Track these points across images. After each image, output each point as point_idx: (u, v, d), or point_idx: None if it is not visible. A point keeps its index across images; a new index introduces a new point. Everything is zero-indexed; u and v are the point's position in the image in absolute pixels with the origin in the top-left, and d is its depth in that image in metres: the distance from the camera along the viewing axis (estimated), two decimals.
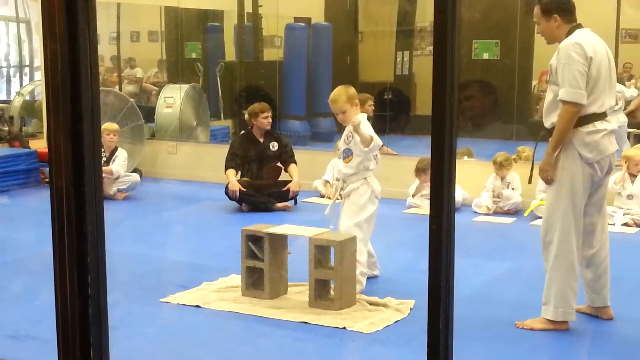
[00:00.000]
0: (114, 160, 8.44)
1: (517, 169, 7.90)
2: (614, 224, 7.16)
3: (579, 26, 4.44)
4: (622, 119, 9.07)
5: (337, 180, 5.53)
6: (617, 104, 8.91)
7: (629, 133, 9.50)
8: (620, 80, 10.58)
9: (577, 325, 4.54)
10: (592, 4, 11.52)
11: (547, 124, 4.47)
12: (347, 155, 5.30)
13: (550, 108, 4.44)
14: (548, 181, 4.47)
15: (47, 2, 2.09)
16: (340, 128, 11.03)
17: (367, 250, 5.27)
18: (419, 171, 7.89)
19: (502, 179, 7.80)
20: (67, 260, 2.19)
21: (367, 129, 5.20)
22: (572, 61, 4.26)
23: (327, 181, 8.18)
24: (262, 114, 8.02)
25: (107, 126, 8.42)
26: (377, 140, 5.20)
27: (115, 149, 8.58)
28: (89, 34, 2.12)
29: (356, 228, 5.14)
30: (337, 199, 5.43)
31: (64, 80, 2.12)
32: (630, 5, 10.88)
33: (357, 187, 5.25)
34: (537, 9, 4.49)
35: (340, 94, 5.27)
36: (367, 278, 5.31)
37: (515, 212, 7.67)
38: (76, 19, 2.09)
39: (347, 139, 5.30)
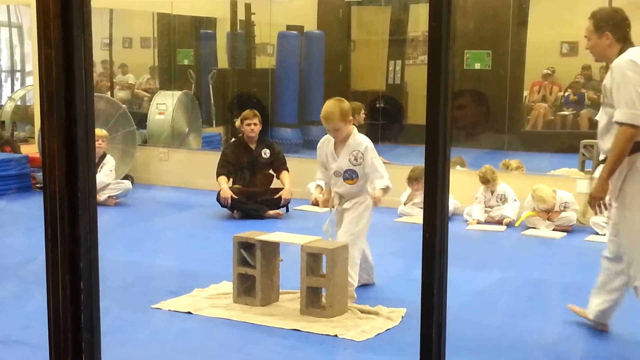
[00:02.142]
0: (101, 168, 8.41)
1: (510, 180, 7.93)
2: (604, 235, 7.18)
3: (632, 45, 4.21)
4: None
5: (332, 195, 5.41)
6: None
7: None
8: None
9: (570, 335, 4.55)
10: (583, 16, 11.58)
11: (604, 148, 4.24)
12: (352, 177, 5.19)
13: (604, 132, 4.23)
14: (600, 209, 4.25)
15: (42, 8, 2.09)
16: None
17: (360, 259, 5.26)
18: (411, 180, 7.90)
19: (493, 192, 7.81)
20: (60, 266, 2.19)
21: (379, 163, 5.20)
22: (627, 80, 4.03)
23: (319, 185, 8.07)
24: (246, 120, 8.03)
25: (96, 132, 8.37)
26: (390, 187, 5.21)
27: (104, 155, 8.56)
28: (84, 40, 2.12)
29: (352, 239, 5.13)
30: (332, 208, 5.37)
31: (59, 85, 2.12)
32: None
33: (357, 201, 5.25)
34: (589, 24, 4.26)
35: (334, 111, 5.06)
36: (362, 285, 5.33)
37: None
38: (71, 25, 2.09)
39: (356, 160, 5.18)
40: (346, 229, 5.20)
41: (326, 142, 5.29)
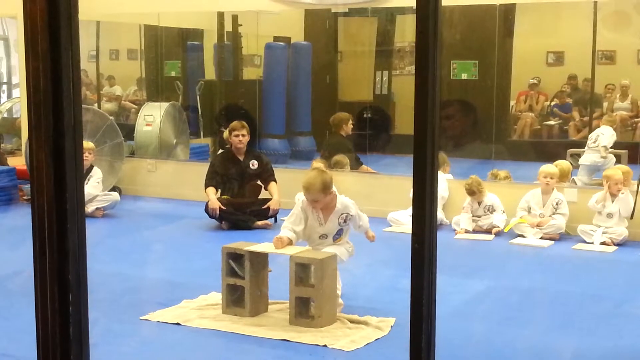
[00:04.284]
0: (88, 180, 8.37)
1: (497, 190, 7.96)
2: (592, 243, 7.22)
3: None
4: (592, 158, 9.15)
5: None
6: (595, 142, 9.13)
7: None
8: (599, 99, 10.74)
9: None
10: (568, 26, 11.67)
11: None
12: (340, 235, 5.27)
13: None
14: None
15: (30, 20, 2.09)
16: (321, 147, 11.06)
17: None
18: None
19: (479, 203, 7.84)
20: (48, 278, 2.18)
21: (364, 219, 5.37)
22: None
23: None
24: (234, 131, 8.04)
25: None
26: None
27: (91, 167, 8.53)
28: (71, 52, 2.12)
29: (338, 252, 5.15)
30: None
31: (46, 97, 2.12)
32: (605, 27, 11.02)
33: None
34: None
35: (315, 183, 5.10)
36: None
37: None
38: (59, 37, 2.09)
39: (345, 222, 5.23)
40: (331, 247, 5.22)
41: (309, 206, 5.24)
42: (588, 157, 9.20)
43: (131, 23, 12.39)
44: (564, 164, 8.40)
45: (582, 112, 11.40)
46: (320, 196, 5.13)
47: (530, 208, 7.64)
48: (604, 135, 9.22)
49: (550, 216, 7.55)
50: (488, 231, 7.69)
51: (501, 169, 8.67)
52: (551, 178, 7.61)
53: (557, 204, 7.57)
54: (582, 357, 4.47)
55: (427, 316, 2.07)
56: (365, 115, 11.45)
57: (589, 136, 9.58)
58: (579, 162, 9.20)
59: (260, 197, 8.15)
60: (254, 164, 8.12)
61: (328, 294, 4.81)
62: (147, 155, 10.35)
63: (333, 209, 5.22)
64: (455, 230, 7.78)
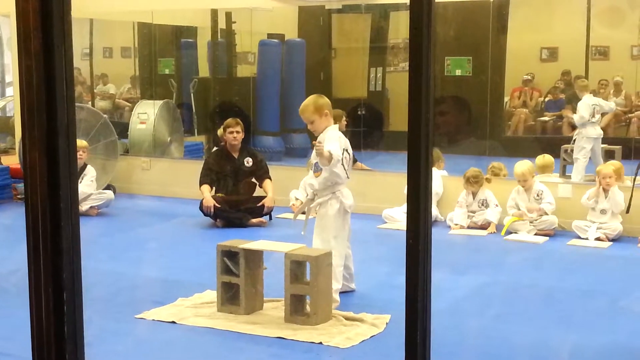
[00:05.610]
0: (82, 179, 8.36)
1: (492, 186, 7.96)
2: (587, 239, 7.24)
3: None
4: (598, 131, 9.16)
5: (308, 196, 5.50)
6: (594, 116, 9.08)
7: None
8: (595, 96, 10.72)
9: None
10: (562, 22, 11.68)
11: None
12: (317, 169, 5.26)
13: None
14: None
15: (22, 18, 2.09)
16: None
17: (342, 264, 5.27)
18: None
19: (474, 195, 7.85)
20: (43, 277, 2.17)
21: (332, 143, 5.08)
22: None
23: (296, 199, 8.16)
24: (228, 128, 8.04)
25: None
26: (336, 156, 5.05)
27: (84, 166, 8.51)
28: (64, 51, 2.12)
29: (325, 246, 5.13)
30: (312, 215, 5.41)
31: (39, 96, 2.11)
32: (599, 22, 11.04)
33: (325, 202, 5.25)
34: None
35: (308, 104, 5.27)
36: (343, 292, 5.33)
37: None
38: (52, 35, 2.09)
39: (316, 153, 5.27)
40: (317, 235, 5.22)
41: None
42: (595, 131, 9.09)
43: (124, 21, 12.36)
44: (542, 158, 8.40)
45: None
46: (314, 117, 5.23)
47: (518, 205, 7.66)
48: (601, 105, 9.19)
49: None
50: (483, 227, 7.70)
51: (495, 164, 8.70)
52: (525, 181, 7.61)
53: (538, 195, 7.59)
54: (578, 352, 4.48)
55: (422, 312, 2.07)
56: (359, 112, 11.45)
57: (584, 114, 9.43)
58: (586, 135, 9.10)
59: (254, 194, 8.14)
60: (248, 162, 8.11)
61: (323, 291, 4.81)
62: (141, 153, 10.34)
63: (321, 134, 5.23)
64: (450, 226, 7.78)
